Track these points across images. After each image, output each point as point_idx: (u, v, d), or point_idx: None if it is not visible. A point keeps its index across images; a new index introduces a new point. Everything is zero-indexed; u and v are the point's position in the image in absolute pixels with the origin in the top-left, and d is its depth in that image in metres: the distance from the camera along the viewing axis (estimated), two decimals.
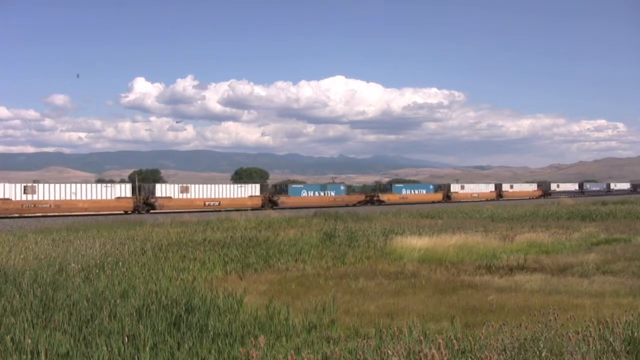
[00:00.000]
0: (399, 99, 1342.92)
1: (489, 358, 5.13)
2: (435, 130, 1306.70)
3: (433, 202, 68.10)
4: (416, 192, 73.59)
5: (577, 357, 5.36)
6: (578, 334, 6.01)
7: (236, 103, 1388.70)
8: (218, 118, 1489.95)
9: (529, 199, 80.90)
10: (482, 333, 6.52)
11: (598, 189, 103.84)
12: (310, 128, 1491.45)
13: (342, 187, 66.78)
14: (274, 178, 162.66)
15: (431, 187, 77.81)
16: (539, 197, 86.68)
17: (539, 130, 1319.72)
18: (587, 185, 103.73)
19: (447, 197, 75.30)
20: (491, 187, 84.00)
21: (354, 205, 61.47)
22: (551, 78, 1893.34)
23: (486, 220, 32.10)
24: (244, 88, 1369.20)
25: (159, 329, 7.60)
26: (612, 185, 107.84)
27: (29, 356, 6.49)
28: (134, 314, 8.48)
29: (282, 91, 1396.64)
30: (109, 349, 6.63)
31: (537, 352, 5.66)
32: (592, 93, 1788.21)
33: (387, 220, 31.76)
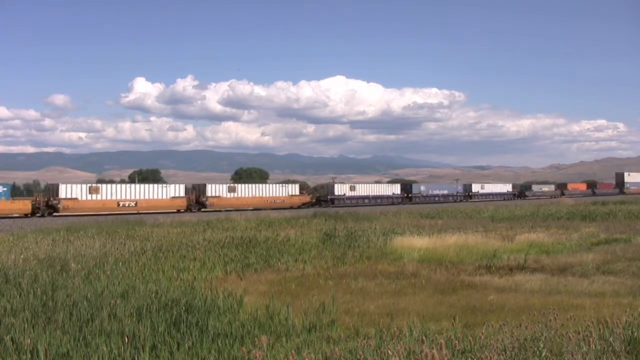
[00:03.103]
0: (399, 99, 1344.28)
1: (489, 358, 5.12)
2: (435, 130, 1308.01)
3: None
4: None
5: (577, 357, 5.36)
6: (578, 334, 6.00)
7: (236, 103, 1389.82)
8: (218, 118, 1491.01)
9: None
10: (482, 333, 6.52)
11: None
12: (310, 128, 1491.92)
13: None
14: (274, 178, 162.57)
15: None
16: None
17: (539, 130, 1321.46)
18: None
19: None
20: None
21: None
22: (551, 78, 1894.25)
23: (486, 220, 32.10)
24: (244, 88, 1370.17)
25: (159, 329, 7.59)
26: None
27: (29, 356, 6.49)
28: (134, 314, 8.48)
29: (282, 91, 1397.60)
30: (109, 349, 6.63)
31: (537, 352, 5.66)
32: (592, 93, 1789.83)
33: (387, 220, 31.75)
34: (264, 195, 56.13)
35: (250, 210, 49.18)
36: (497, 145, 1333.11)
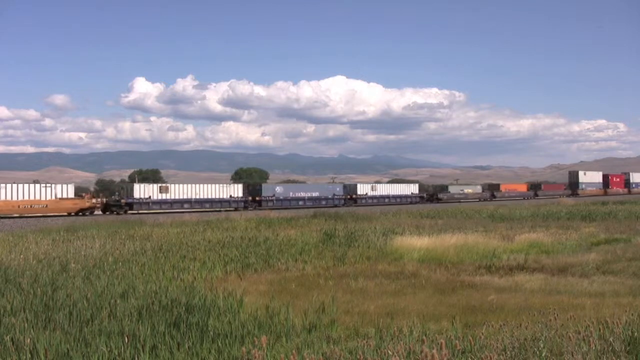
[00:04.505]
0: (399, 99, 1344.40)
1: (489, 358, 5.12)
2: (436, 130, 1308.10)
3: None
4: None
5: (577, 357, 5.36)
6: (578, 334, 6.01)
7: (236, 103, 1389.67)
8: (218, 118, 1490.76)
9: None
10: (482, 333, 6.53)
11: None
12: (310, 128, 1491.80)
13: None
14: (274, 178, 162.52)
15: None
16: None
17: (539, 130, 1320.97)
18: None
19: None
20: (413, 189, 72.91)
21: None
22: (551, 78, 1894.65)
23: (486, 220, 32.11)
24: (244, 88, 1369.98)
25: (159, 329, 7.58)
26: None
27: (29, 356, 6.49)
28: (134, 314, 8.48)
29: (282, 91, 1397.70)
30: (109, 349, 6.63)
31: (537, 352, 5.66)
32: (592, 93, 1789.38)
33: (387, 220, 31.75)
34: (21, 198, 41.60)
35: None
36: (497, 145, 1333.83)
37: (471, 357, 5.59)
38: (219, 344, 7.02)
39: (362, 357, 5.34)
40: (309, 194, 59.76)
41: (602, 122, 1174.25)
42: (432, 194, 73.85)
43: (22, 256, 15.35)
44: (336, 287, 11.50)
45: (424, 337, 6.06)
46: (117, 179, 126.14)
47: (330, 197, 61.00)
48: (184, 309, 8.71)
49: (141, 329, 7.43)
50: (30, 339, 6.83)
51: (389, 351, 5.51)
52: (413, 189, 72.84)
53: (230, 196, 53.57)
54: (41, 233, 23.83)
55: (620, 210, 37.22)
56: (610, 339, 5.90)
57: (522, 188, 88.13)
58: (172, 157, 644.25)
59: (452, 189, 77.31)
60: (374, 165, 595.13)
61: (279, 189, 58.14)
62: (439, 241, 18.53)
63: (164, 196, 49.55)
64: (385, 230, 23.28)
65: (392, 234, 21.86)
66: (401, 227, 25.05)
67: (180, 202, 50.08)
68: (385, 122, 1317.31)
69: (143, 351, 6.58)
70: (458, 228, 24.52)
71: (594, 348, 5.61)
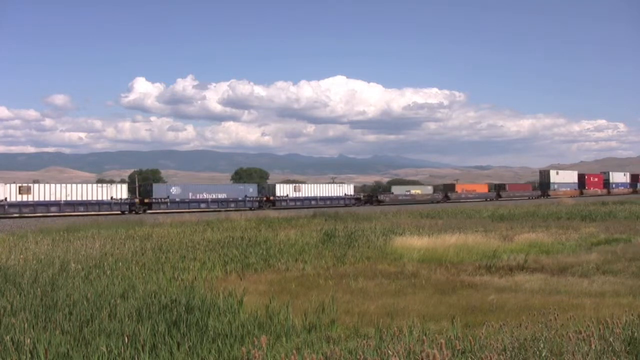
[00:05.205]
0: (399, 99, 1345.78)
1: (489, 358, 5.12)
2: (436, 130, 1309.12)
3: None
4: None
5: (577, 357, 5.36)
6: (578, 334, 6.00)
7: (236, 103, 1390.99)
8: (218, 118, 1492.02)
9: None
10: (482, 333, 6.52)
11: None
12: (310, 128, 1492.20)
13: None
14: (274, 178, 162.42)
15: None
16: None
17: (539, 130, 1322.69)
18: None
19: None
20: (347, 190, 66.02)
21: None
22: (551, 78, 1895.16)
23: (486, 220, 32.12)
24: (244, 88, 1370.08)
25: (159, 329, 7.58)
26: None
27: (29, 356, 6.49)
28: (134, 314, 8.48)
29: (282, 91, 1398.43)
30: (109, 349, 6.63)
31: (537, 352, 5.65)
32: (592, 93, 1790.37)
33: (387, 220, 31.75)
34: None
35: None
36: (497, 145, 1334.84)
37: (471, 357, 5.59)
38: (219, 344, 7.02)
39: (362, 357, 5.34)
40: (213, 196, 54.22)
41: (602, 122, 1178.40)
42: (370, 196, 67.86)
43: (22, 256, 15.34)
44: (336, 287, 11.49)
45: (424, 337, 6.05)
46: (117, 179, 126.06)
47: (240, 199, 55.45)
48: (183, 309, 8.70)
49: (141, 329, 7.42)
50: (30, 339, 6.82)
51: (389, 351, 5.50)
52: (347, 189, 65.81)
53: (112, 198, 47.62)
54: (41, 233, 23.83)
55: (620, 210, 37.25)
56: (610, 339, 5.89)
57: (482, 189, 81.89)
58: (172, 157, 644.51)
59: (396, 190, 70.60)
60: (374, 165, 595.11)
61: (175, 190, 52.18)
62: (439, 241, 18.53)
63: (25, 198, 43.35)
64: (385, 230, 23.29)
65: (392, 234, 21.85)
66: (401, 227, 25.04)
67: (46, 205, 44.14)
68: (385, 122, 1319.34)
69: (143, 351, 6.58)
70: (458, 228, 24.52)
71: (594, 348, 5.60)
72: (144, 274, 12.63)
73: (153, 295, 9.83)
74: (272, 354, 6.35)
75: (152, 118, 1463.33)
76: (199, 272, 13.42)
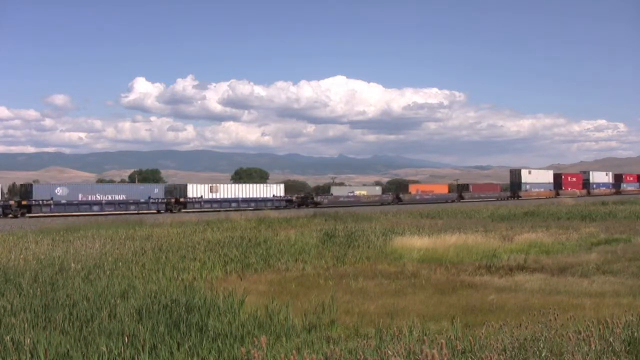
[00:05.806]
0: (399, 99, 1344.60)
1: (489, 358, 5.12)
2: (436, 130, 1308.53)
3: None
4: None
5: (577, 357, 5.35)
6: (578, 334, 6.01)
7: (236, 103, 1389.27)
8: (218, 118, 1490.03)
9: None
10: (482, 333, 6.52)
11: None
12: (310, 128, 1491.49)
13: None
14: (274, 178, 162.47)
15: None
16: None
17: (539, 130, 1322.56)
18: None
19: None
20: (277, 190, 59.56)
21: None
22: (551, 78, 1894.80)
23: (486, 220, 32.14)
24: (244, 88, 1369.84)
25: (159, 329, 7.59)
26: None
27: (29, 356, 6.49)
28: (134, 314, 8.48)
29: (282, 91, 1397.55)
30: (109, 349, 6.63)
31: (537, 352, 5.65)
32: (592, 93, 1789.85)
33: (387, 220, 31.77)
34: None
35: None
36: (497, 145, 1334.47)
37: (471, 357, 5.59)
38: (219, 344, 7.02)
39: (362, 357, 5.34)
40: (109, 197, 48.47)
41: (602, 122, 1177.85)
42: (305, 197, 60.85)
43: (22, 256, 15.34)
44: (336, 287, 11.48)
45: (424, 337, 6.05)
46: (117, 179, 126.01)
47: (143, 200, 50.12)
48: (183, 309, 8.70)
49: (141, 329, 7.43)
50: (30, 339, 6.82)
51: (389, 351, 5.50)
52: (277, 190, 59.36)
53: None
54: (41, 233, 23.84)
55: (620, 210, 37.28)
56: (610, 339, 5.89)
57: (441, 189, 75.55)
58: (172, 157, 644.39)
59: (337, 191, 64.62)
60: (374, 165, 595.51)
61: (61, 190, 46.38)
62: (439, 241, 18.54)
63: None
64: (385, 230, 23.29)
65: (392, 234, 21.86)
66: (401, 227, 25.05)
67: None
68: (385, 122, 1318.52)
69: (143, 351, 6.58)
70: (458, 228, 24.53)
71: (594, 348, 5.61)
72: (144, 274, 12.62)
73: (153, 295, 9.82)
74: (272, 354, 6.34)
75: (152, 118, 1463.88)
76: (199, 272, 13.42)
